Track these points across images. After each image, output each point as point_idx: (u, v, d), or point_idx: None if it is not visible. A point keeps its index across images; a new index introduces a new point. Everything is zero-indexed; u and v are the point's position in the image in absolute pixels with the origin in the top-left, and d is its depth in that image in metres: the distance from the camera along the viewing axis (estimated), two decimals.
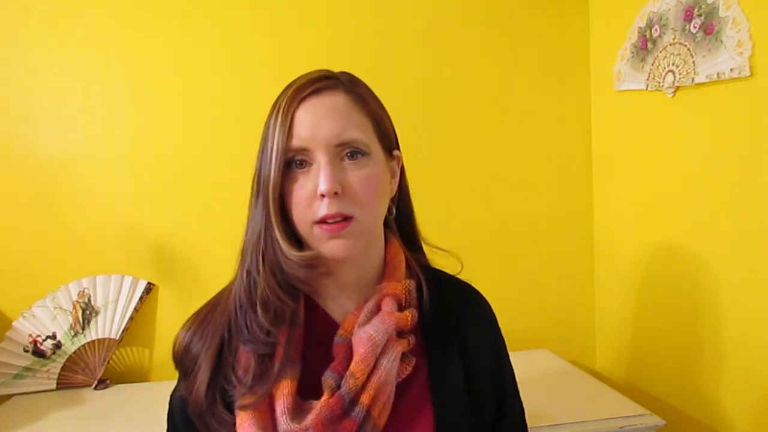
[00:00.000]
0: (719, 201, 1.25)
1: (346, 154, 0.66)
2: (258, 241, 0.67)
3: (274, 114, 0.67)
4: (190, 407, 0.66)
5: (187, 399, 0.66)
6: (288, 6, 1.56)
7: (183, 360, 0.69)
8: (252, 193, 0.70)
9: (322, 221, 0.64)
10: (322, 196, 0.63)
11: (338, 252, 0.65)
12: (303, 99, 0.66)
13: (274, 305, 0.66)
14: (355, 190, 0.65)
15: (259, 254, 0.67)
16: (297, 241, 0.68)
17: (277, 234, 0.66)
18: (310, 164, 0.66)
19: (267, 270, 0.66)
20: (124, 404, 1.35)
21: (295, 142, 0.65)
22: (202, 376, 0.65)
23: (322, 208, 0.64)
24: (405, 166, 0.78)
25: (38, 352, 1.44)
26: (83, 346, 1.46)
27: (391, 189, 0.73)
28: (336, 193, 0.64)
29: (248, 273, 0.67)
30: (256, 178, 0.69)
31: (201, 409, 0.65)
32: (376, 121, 0.71)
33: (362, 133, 0.67)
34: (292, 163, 0.66)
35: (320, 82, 0.68)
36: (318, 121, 0.65)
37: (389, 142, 0.73)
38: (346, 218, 0.64)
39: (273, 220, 0.66)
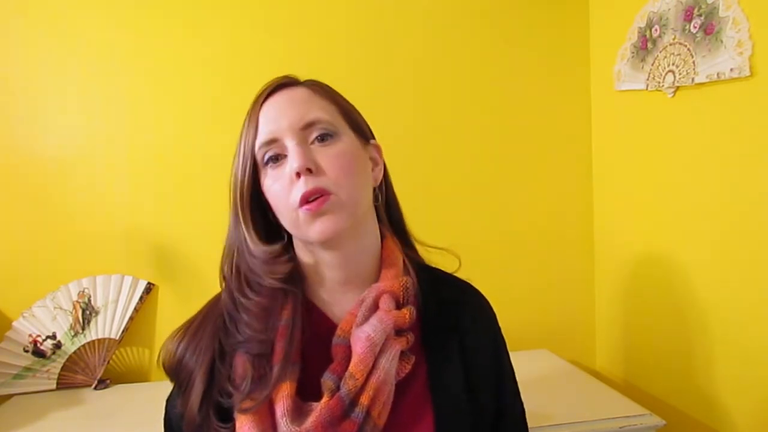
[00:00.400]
0: (719, 201, 1.25)
1: (316, 137, 0.67)
2: (231, 250, 0.69)
3: (244, 122, 0.70)
4: (184, 424, 0.66)
5: (182, 414, 0.66)
6: (289, 7, 1.56)
7: (178, 373, 0.69)
8: (229, 202, 0.71)
9: (304, 202, 0.64)
10: (298, 175, 0.64)
11: (325, 230, 0.65)
12: (265, 99, 0.70)
13: (254, 307, 0.66)
14: (329, 168, 0.66)
15: (233, 261, 0.69)
16: (280, 244, 0.69)
17: (245, 231, 0.68)
18: (283, 156, 0.67)
19: (241, 277, 0.68)
20: (124, 404, 1.35)
21: (262, 137, 0.67)
22: (195, 392, 0.65)
23: (300, 187, 0.64)
24: (405, 167, 0.78)
25: (38, 352, 1.44)
26: (83, 346, 1.46)
27: (374, 177, 0.74)
28: (309, 170, 0.65)
29: (226, 282, 0.70)
30: (230, 186, 0.71)
31: (194, 424, 0.65)
32: (341, 105, 0.72)
33: (326, 113, 0.69)
34: (267, 162, 0.68)
35: (280, 81, 0.71)
36: (282, 111, 0.68)
37: (362, 130, 0.74)
38: (324, 193, 0.65)
39: (241, 217, 0.68)
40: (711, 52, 1.21)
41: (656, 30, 1.38)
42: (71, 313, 1.47)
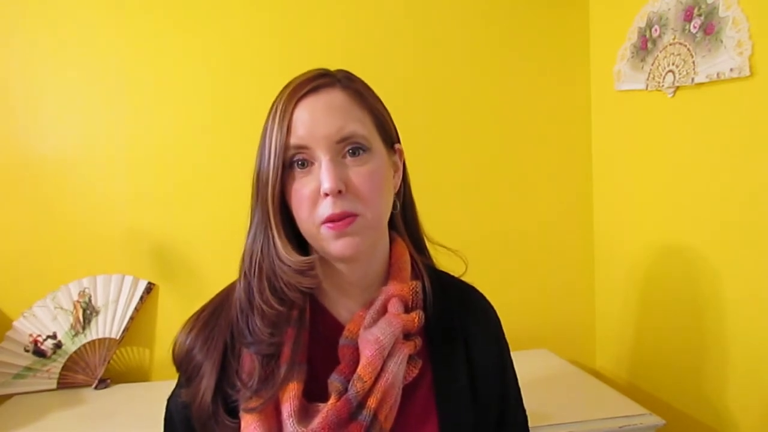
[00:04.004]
0: (719, 200, 1.25)
1: (348, 150, 0.65)
2: (255, 246, 0.67)
3: (272, 115, 0.67)
4: (193, 413, 0.65)
5: (189, 405, 0.66)
6: (288, 6, 1.56)
7: (186, 365, 0.68)
8: (252, 196, 0.69)
9: (328, 221, 0.63)
10: (326, 195, 0.63)
11: (346, 250, 0.64)
12: (300, 98, 0.66)
13: (268, 313, 0.65)
14: (359, 188, 0.64)
15: (255, 260, 0.66)
16: (299, 244, 0.68)
17: (277, 238, 0.65)
18: (312, 163, 0.65)
19: (263, 277, 0.66)
20: (124, 404, 1.35)
21: (294, 140, 0.64)
22: (208, 383, 0.65)
23: (327, 208, 0.63)
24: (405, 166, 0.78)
25: (39, 352, 1.44)
26: (84, 345, 1.46)
27: (394, 183, 0.73)
28: (340, 192, 0.63)
29: (246, 277, 0.67)
30: (255, 181, 0.68)
31: (207, 414, 0.64)
32: (375, 115, 0.70)
33: (363, 127, 0.67)
34: (293, 163, 0.65)
35: (317, 80, 0.67)
36: (317, 119, 0.65)
37: (390, 136, 0.73)
38: (352, 215, 0.63)
39: (272, 222, 0.65)
40: (711, 52, 1.21)
41: (656, 30, 1.38)
42: (72, 312, 1.47)
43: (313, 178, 0.64)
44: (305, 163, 0.65)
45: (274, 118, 0.66)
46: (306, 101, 0.66)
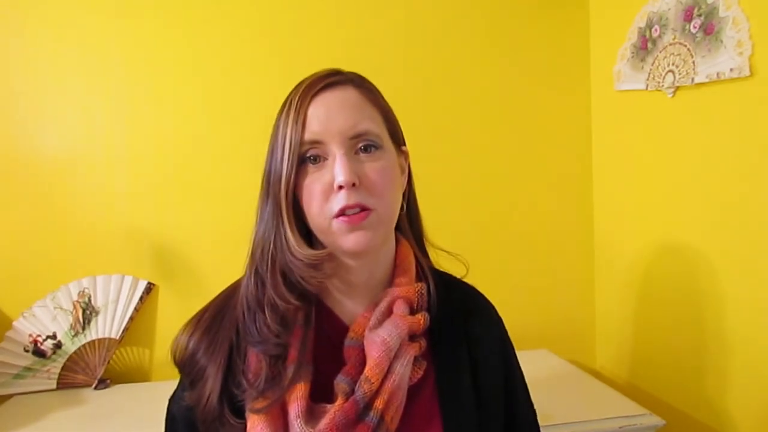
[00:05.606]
0: (719, 200, 1.25)
1: (361, 147, 0.66)
2: (267, 241, 0.66)
3: (286, 111, 0.67)
4: (198, 416, 0.65)
5: (194, 408, 0.65)
6: (287, 6, 1.56)
7: (189, 368, 0.68)
8: (261, 191, 0.69)
9: (341, 213, 0.63)
10: (340, 187, 0.63)
11: (358, 244, 0.64)
12: (315, 94, 0.67)
13: (282, 308, 0.65)
14: (372, 182, 0.65)
15: (268, 255, 0.66)
16: (309, 240, 0.68)
17: (289, 232, 0.65)
18: (324, 158, 0.65)
19: (276, 271, 0.66)
20: (124, 404, 1.35)
21: (309, 135, 0.65)
22: (213, 385, 0.64)
23: (341, 200, 0.63)
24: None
25: (38, 352, 1.44)
26: (83, 345, 1.46)
27: (401, 184, 0.73)
28: (354, 185, 0.63)
29: (256, 274, 0.67)
30: (265, 176, 0.68)
31: (212, 416, 0.64)
32: (385, 115, 0.71)
33: (375, 125, 0.68)
34: (305, 159, 0.65)
35: (331, 78, 0.68)
36: (331, 114, 0.65)
37: (397, 138, 0.73)
38: (365, 209, 0.64)
39: (285, 217, 0.65)
40: (711, 52, 1.21)
41: (656, 30, 1.38)
42: (71, 312, 1.47)
43: (326, 172, 0.64)
44: (317, 159, 0.65)
45: (288, 114, 0.66)
46: (320, 97, 0.67)
